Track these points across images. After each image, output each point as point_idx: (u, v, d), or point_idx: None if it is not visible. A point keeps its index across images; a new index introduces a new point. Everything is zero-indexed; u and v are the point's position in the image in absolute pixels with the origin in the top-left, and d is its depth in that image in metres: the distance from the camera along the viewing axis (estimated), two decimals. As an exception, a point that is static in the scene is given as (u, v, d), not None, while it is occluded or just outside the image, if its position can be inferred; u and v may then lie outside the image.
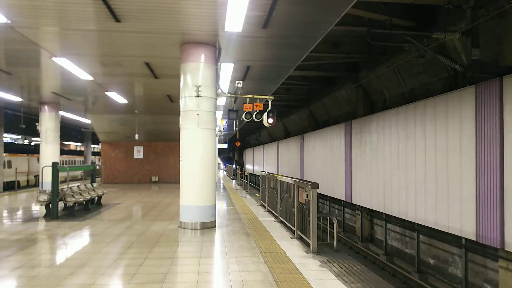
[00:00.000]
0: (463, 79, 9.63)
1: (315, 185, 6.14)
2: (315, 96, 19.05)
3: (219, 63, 8.84)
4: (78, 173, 31.07)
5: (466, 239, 8.96)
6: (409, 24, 9.67)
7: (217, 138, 13.82)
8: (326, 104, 18.77)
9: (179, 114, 8.12)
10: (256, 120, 9.19)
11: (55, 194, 9.31)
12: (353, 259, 5.94)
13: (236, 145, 31.74)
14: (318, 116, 20.76)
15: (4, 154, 20.99)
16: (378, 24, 9.64)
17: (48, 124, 15.89)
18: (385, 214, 12.70)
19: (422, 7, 9.51)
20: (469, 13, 8.58)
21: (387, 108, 12.78)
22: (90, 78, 10.97)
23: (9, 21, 6.83)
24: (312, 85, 16.82)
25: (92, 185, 11.75)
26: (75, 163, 33.40)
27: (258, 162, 39.21)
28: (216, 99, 8.20)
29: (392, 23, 9.44)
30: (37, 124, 16.08)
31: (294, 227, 7.12)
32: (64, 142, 41.50)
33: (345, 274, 5.05)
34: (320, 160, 18.68)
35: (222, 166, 45.09)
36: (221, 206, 11.77)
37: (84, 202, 10.48)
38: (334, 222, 6.44)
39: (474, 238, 8.25)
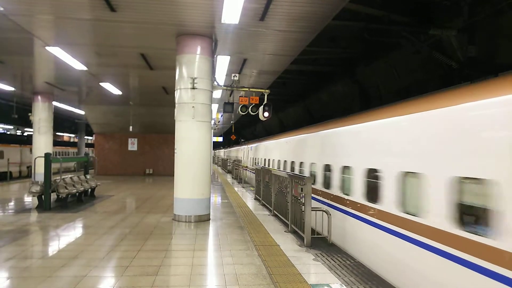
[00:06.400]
0: (459, 77, 9.68)
1: (310, 180, 6.15)
2: (311, 91, 19.02)
3: (215, 55, 8.76)
4: (71, 164, 30.82)
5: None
6: (406, 20, 9.65)
7: (212, 131, 13.68)
8: (322, 99, 18.77)
9: (174, 106, 8.05)
10: (252, 113, 9.16)
11: (48, 185, 9.22)
12: (346, 253, 5.98)
13: (232, 138, 31.49)
14: (314, 111, 20.77)
15: (-4, 144, 20.74)
16: (375, 19, 9.62)
17: (41, 114, 15.70)
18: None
19: (420, 3, 9.49)
20: (466, 10, 8.59)
21: (383, 104, 12.82)
22: (84, 68, 10.82)
23: (2, 9, 6.68)
24: (309, 79, 16.78)
25: (85, 177, 11.66)
26: (68, 155, 33.12)
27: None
28: (212, 92, 8.14)
29: (389, 19, 9.41)
30: (30, 114, 15.87)
31: (288, 221, 7.15)
32: (57, 133, 41.10)
33: (338, 268, 5.08)
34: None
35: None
36: (216, 199, 11.77)
37: (77, 194, 10.41)
38: (328, 216, 6.46)
39: None
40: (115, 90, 14.33)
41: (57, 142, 32.09)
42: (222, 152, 44.74)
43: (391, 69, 12.26)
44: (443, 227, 3.99)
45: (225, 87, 9.00)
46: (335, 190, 7.24)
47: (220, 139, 40.13)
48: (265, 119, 9.07)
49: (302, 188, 6.12)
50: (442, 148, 4.22)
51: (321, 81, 16.84)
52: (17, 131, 39.78)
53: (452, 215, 3.90)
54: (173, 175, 8.12)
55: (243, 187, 16.01)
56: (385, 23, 9.48)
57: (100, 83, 13.14)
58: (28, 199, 10.99)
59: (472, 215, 3.84)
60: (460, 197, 3.87)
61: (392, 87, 12.82)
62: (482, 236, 3.50)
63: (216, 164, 41.15)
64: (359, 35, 11.51)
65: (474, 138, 3.77)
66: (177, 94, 7.91)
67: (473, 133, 3.79)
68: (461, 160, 3.90)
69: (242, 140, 36.96)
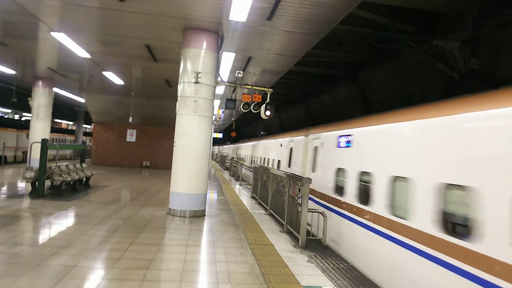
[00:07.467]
0: (460, 88, 9.68)
1: (308, 180, 6.12)
2: (314, 93, 19.01)
3: (220, 51, 8.72)
4: (68, 152, 30.66)
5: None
6: (411, 29, 9.66)
7: (213, 126, 13.55)
8: (324, 102, 18.76)
9: (176, 100, 8.01)
10: (253, 111, 9.13)
11: (43, 172, 9.13)
12: (340, 256, 5.97)
13: (232, 135, 31.21)
14: (315, 113, 20.77)
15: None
16: (381, 26, 9.63)
17: (40, 100, 15.59)
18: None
19: (425, 13, 9.48)
20: (470, 22, 8.58)
21: (384, 110, 12.82)
22: (88, 56, 10.75)
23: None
24: (312, 81, 16.76)
25: (81, 165, 11.59)
26: (65, 142, 32.96)
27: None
28: (215, 87, 8.10)
29: (394, 27, 9.42)
30: (29, 99, 15.76)
31: (283, 221, 7.12)
32: (56, 120, 40.92)
33: (332, 270, 5.06)
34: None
35: None
36: (212, 195, 11.73)
37: (71, 182, 10.32)
38: (324, 217, 6.44)
39: None
40: (117, 80, 14.25)
41: (55, 129, 31.91)
42: (229, 150, 36.32)
43: (393, 76, 12.26)
44: None
45: (228, 84, 8.96)
46: None
47: (220, 135, 40.06)
48: (267, 117, 9.05)
49: (299, 189, 6.09)
50: None
51: (324, 83, 16.83)
52: (15, 115, 39.57)
53: None
54: (170, 169, 8.07)
55: (240, 185, 15.96)
56: (390, 31, 9.49)
57: (103, 72, 13.07)
58: (22, 185, 10.91)
59: None
60: None
61: (394, 93, 12.83)
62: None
63: (214, 160, 41.07)
64: (364, 41, 11.52)
65: None
66: (180, 87, 7.87)
67: None
68: None
69: (260, 132, 27.13)
